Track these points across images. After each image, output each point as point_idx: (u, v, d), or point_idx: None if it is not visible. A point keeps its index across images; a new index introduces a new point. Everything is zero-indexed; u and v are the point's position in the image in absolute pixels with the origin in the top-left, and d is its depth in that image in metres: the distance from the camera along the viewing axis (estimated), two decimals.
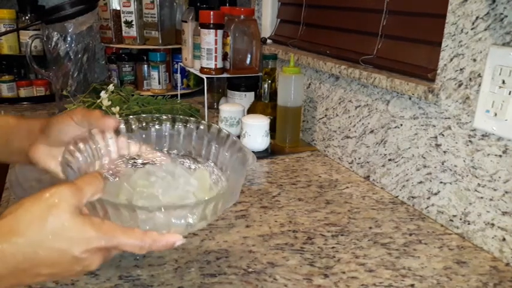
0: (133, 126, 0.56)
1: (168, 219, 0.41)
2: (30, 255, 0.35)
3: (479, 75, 0.66)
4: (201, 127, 0.57)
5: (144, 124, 0.57)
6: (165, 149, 0.58)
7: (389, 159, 0.86)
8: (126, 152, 0.55)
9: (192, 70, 1.32)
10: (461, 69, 0.69)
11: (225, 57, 1.18)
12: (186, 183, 0.51)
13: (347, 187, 0.90)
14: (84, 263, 0.38)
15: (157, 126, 0.58)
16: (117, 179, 0.53)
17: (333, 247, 0.68)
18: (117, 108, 1.10)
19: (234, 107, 1.14)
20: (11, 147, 0.54)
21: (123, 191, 0.49)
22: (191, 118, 0.57)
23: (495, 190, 0.65)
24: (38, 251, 0.36)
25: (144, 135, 0.57)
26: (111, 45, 1.51)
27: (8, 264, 0.35)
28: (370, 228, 0.74)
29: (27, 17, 1.47)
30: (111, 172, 0.53)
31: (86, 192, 0.38)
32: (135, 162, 0.56)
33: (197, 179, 0.53)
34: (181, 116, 0.58)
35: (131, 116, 0.56)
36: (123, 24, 1.45)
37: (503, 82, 0.62)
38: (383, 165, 0.88)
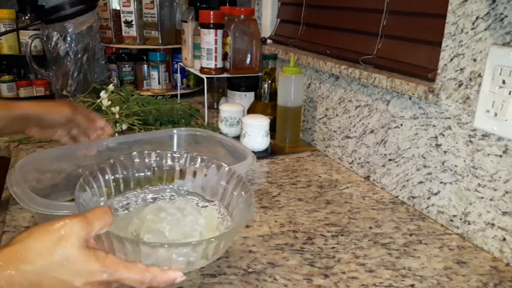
0: (146, 160, 0.58)
1: (170, 255, 0.42)
2: (35, 283, 0.37)
3: (479, 75, 0.66)
4: (213, 165, 0.59)
5: (157, 159, 0.59)
6: (176, 185, 0.61)
7: (390, 159, 0.86)
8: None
9: (192, 70, 1.31)
10: (461, 69, 0.69)
11: (225, 57, 1.18)
12: (194, 222, 0.53)
13: (347, 187, 0.90)
14: None
15: (169, 162, 0.60)
16: (128, 211, 0.56)
17: (333, 247, 0.68)
18: (117, 108, 1.10)
19: (234, 107, 1.14)
20: (6, 130, 0.68)
21: (132, 224, 0.51)
22: (204, 157, 0.59)
23: (495, 190, 0.65)
24: (42, 280, 0.37)
25: (157, 169, 0.59)
26: (111, 45, 1.51)
27: None
28: (370, 228, 0.74)
29: (27, 17, 1.47)
30: (121, 204, 0.56)
31: (95, 227, 0.40)
32: (145, 196, 0.58)
33: (205, 218, 0.54)
34: (196, 154, 0.59)
35: (147, 152, 0.58)
36: (123, 24, 1.44)
37: (504, 82, 0.62)
38: (383, 165, 0.88)
